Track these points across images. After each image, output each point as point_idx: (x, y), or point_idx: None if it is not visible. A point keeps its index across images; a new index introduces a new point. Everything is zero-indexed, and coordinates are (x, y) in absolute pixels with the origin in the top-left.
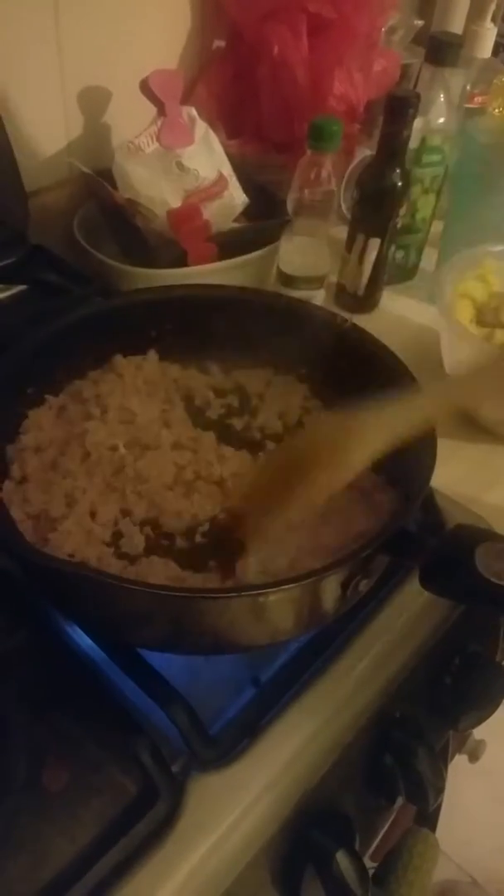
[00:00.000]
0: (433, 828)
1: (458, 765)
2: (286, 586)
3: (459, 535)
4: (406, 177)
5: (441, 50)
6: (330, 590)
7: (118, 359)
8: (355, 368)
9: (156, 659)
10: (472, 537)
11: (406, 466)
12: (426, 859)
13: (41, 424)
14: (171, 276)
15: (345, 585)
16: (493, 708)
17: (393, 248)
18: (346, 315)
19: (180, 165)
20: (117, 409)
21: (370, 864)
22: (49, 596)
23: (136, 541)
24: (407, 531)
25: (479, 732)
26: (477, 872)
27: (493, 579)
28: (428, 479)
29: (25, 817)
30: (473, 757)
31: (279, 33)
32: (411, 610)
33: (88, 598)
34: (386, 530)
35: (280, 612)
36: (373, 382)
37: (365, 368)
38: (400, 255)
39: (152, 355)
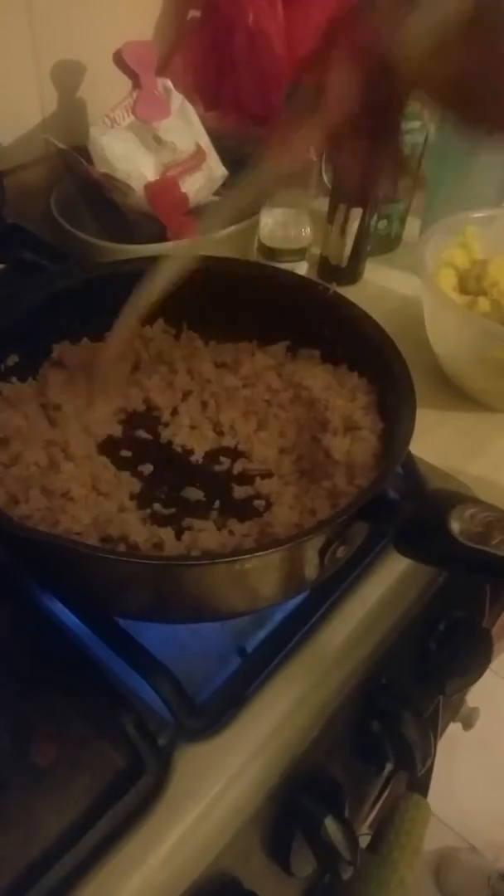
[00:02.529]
0: (425, 793)
1: (456, 735)
2: (261, 553)
3: (434, 499)
4: None
5: None
6: (307, 556)
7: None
8: (338, 336)
9: (141, 632)
10: (446, 500)
11: (386, 434)
12: (417, 823)
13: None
14: (151, 252)
15: (322, 552)
16: (479, 673)
17: (375, 218)
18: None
19: (157, 139)
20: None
21: (366, 832)
22: (28, 569)
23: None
24: (385, 498)
25: (472, 700)
26: (475, 839)
27: (466, 542)
28: (405, 446)
29: (14, 792)
30: (467, 725)
31: (255, 2)
32: (395, 576)
33: (67, 568)
34: (362, 497)
35: (258, 579)
36: (356, 350)
37: (348, 336)
38: (382, 225)
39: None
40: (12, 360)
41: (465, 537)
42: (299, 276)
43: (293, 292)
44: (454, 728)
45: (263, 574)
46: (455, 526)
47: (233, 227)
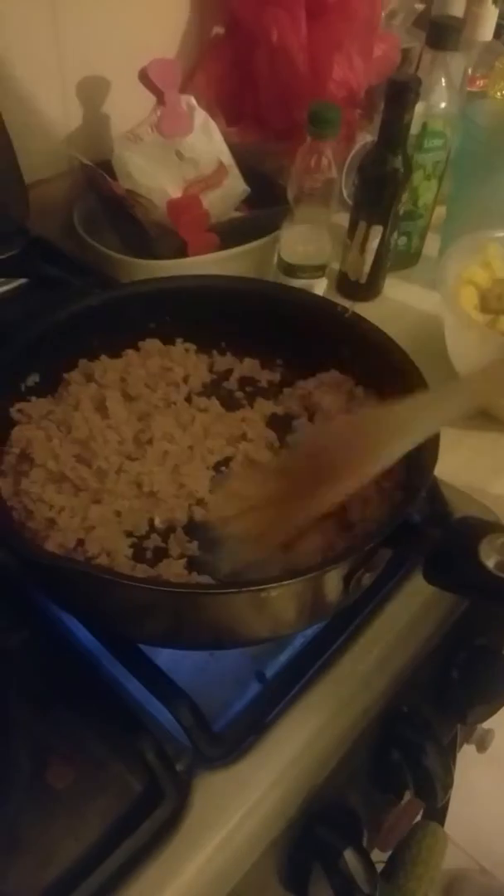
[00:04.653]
0: (442, 821)
1: (467, 753)
2: (287, 582)
3: (464, 527)
4: (408, 162)
5: (442, 34)
6: (332, 584)
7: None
8: (357, 358)
9: (160, 656)
10: (476, 529)
11: (409, 457)
12: (434, 853)
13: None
14: (172, 267)
15: (347, 579)
16: (501, 702)
17: (395, 234)
18: (349, 303)
19: (180, 155)
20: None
21: (380, 858)
22: (49, 592)
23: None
24: (410, 523)
25: (486, 722)
26: (486, 860)
27: (497, 573)
28: (431, 470)
29: (31, 816)
30: (481, 747)
31: (278, 18)
32: (417, 603)
33: (88, 594)
34: (388, 523)
35: (282, 607)
36: (374, 371)
37: (367, 358)
38: (402, 241)
39: (152, 344)
40: (32, 379)
41: (497, 568)
42: (318, 297)
43: (312, 313)
44: (467, 748)
45: (288, 602)
46: (487, 556)
47: (253, 243)
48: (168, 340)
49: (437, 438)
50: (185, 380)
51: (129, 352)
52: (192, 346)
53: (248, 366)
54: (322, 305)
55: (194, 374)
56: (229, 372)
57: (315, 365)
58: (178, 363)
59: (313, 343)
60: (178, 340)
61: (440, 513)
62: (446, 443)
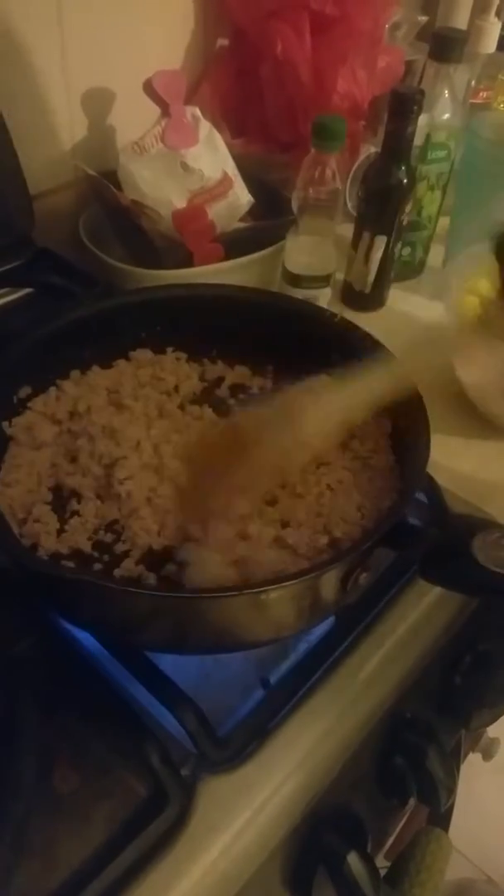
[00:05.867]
0: (446, 827)
1: (473, 762)
2: (286, 583)
3: (458, 525)
4: (411, 174)
5: (445, 46)
6: (330, 584)
7: (121, 362)
8: (346, 362)
9: (164, 661)
10: (470, 526)
11: (403, 459)
12: (438, 859)
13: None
14: (177, 277)
15: (345, 580)
16: None
17: (399, 245)
18: (353, 314)
19: (185, 166)
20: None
21: (384, 864)
22: (49, 600)
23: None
24: (406, 523)
25: (492, 730)
26: (493, 871)
27: (490, 567)
28: (423, 470)
29: (37, 820)
30: (487, 755)
31: (282, 31)
32: (420, 609)
33: (88, 603)
34: (383, 523)
35: (281, 609)
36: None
37: (356, 362)
38: (406, 252)
39: (143, 354)
40: (24, 392)
41: (489, 562)
42: (306, 303)
43: (301, 319)
44: (473, 757)
45: (287, 603)
46: (479, 551)
47: (258, 254)
48: (159, 350)
49: (427, 442)
50: (177, 389)
51: (121, 362)
52: (183, 356)
53: (239, 373)
54: (311, 311)
55: (186, 383)
56: (221, 380)
57: (305, 370)
58: (169, 372)
59: (303, 349)
60: (169, 350)
61: (437, 515)
62: (451, 452)
